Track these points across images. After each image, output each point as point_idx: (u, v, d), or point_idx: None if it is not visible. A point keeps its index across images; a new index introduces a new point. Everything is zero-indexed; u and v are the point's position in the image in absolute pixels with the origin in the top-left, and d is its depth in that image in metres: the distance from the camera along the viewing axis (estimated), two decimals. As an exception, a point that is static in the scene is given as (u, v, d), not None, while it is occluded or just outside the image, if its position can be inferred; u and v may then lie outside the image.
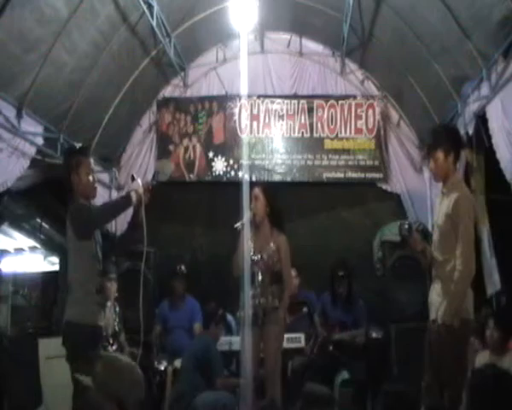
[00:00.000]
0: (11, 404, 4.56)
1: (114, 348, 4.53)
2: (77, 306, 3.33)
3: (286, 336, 5.10)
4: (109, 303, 4.79)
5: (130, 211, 3.65)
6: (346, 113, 6.88)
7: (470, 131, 4.85)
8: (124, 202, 3.44)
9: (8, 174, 4.52)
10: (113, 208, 3.60)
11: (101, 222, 3.56)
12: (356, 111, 6.87)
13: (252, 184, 4.44)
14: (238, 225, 4.09)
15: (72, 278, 3.39)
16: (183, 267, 5.73)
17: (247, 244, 4.01)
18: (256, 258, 4.13)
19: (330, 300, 5.55)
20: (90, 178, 3.45)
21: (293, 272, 5.79)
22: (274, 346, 4.10)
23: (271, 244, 4.17)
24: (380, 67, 6.65)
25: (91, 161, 3.59)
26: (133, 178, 3.47)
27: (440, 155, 3.34)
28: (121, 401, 2.07)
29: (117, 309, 4.76)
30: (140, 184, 3.36)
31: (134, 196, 3.30)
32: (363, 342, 5.29)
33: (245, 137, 6.87)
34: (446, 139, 3.39)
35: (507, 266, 4.82)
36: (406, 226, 3.50)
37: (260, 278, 4.12)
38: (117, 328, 4.71)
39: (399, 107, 6.80)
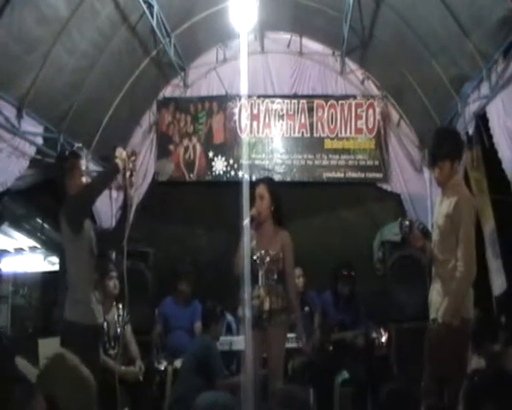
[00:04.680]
0: (11, 404, 4.55)
1: (115, 351, 4.51)
2: (75, 306, 3.34)
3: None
4: (113, 307, 4.75)
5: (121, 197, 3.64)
6: (346, 113, 6.88)
7: (470, 131, 4.85)
8: (110, 171, 3.46)
9: (8, 174, 4.52)
10: (102, 178, 3.63)
11: (94, 194, 3.54)
12: (356, 111, 6.87)
13: (256, 181, 4.28)
14: (247, 221, 3.83)
15: (69, 277, 3.41)
16: (191, 271, 5.69)
17: (248, 243, 3.77)
18: (260, 257, 3.95)
19: (332, 300, 5.54)
20: (84, 179, 3.49)
21: (299, 272, 5.81)
22: (280, 348, 3.99)
23: (276, 242, 4.00)
24: (380, 67, 6.65)
25: (84, 162, 3.61)
26: (114, 149, 3.47)
27: (447, 164, 3.33)
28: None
29: (120, 311, 4.74)
30: (122, 150, 3.39)
31: (120, 163, 3.33)
32: (363, 343, 5.29)
33: (245, 137, 6.87)
34: (452, 148, 3.38)
35: (508, 267, 4.81)
36: (407, 223, 3.51)
37: (264, 277, 3.95)
38: (118, 330, 4.69)
39: (399, 107, 6.80)
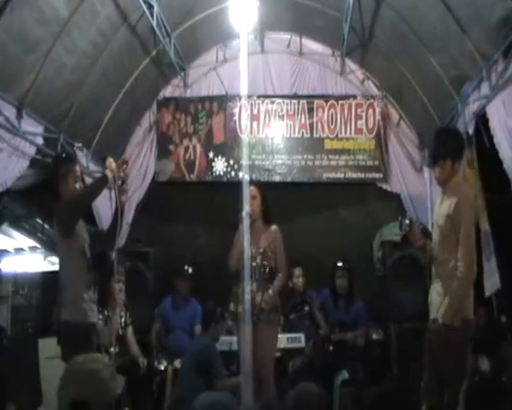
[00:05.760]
0: (11, 404, 4.56)
1: (117, 349, 4.52)
2: (68, 305, 3.40)
3: (286, 336, 5.11)
4: (117, 308, 4.76)
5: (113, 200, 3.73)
6: (346, 113, 6.88)
7: (470, 131, 4.85)
8: (99, 181, 3.56)
9: (8, 174, 4.52)
10: (91, 189, 3.72)
11: (83, 204, 3.62)
12: (356, 111, 6.88)
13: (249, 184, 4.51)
14: (243, 213, 4.07)
15: (62, 278, 3.45)
16: (190, 268, 5.70)
17: (248, 239, 3.98)
18: (254, 253, 4.16)
19: (331, 297, 5.56)
20: (77, 185, 3.52)
21: (299, 272, 5.83)
22: (267, 346, 4.12)
23: (267, 238, 4.27)
24: (380, 67, 6.64)
25: (79, 168, 3.66)
26: (105, 158, 3.54)
27: (448, 163, 3.34)
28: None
29: (122, 313, 4.75)
30: (111, 160, 3.44)
31: (109, 174, 3.39)
32: (363, 343, 5.29)
33: (245, 137, 6.86)
34: (453, 148, 3.38)
35: (507, 267, 4.81)
36: (407, 222, 3.51)
37: (258, 273, 4.17)
38: (120, 331, 4.70)
39: (399, 107, 6.80)
